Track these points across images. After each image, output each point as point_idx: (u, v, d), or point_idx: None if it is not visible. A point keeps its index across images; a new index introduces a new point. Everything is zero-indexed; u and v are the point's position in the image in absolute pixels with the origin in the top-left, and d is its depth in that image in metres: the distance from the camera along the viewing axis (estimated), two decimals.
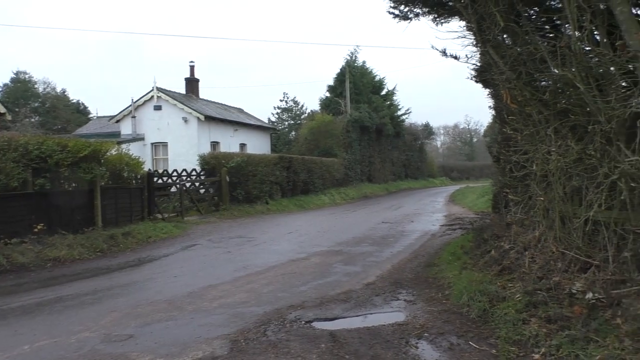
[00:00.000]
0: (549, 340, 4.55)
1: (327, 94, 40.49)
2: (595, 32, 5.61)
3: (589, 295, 4.77)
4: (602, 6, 5.40)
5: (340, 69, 39.49)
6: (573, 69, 5.21)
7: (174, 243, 13.18)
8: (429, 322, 5.84)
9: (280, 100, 50.68)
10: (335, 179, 31.13)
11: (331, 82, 40.43)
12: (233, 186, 21.12)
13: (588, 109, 5.21)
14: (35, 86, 57.83)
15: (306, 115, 45.52)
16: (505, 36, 7.18)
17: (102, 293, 7.82)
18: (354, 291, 7.51)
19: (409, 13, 10.42)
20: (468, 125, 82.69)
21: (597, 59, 5.32)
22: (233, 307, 6.77)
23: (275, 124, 47.14)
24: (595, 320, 4.50)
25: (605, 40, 5.52)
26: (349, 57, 40.57)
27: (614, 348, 4.05)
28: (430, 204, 25.23)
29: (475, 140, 79.70)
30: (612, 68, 5.20)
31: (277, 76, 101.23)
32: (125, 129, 27.28)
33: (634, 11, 5.97)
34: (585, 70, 5.16)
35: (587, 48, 5.57)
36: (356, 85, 38.78)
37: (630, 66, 4.99)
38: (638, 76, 4.64)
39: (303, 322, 6.01)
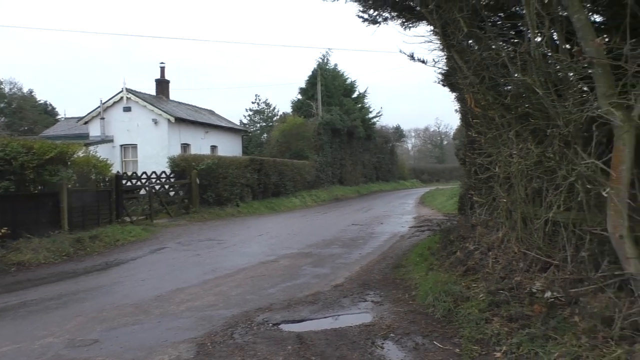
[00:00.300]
0: (510, 339, 4.66)
1: (299, 97, 40.57)
2: (555, 38, 5.78)
3: (548, 294, 4.91)
4: (560, 13, 5.57)
5: (312, 72, 39.69)
6: (533, 75, 5.36)
7: (142, 246, 13.03)
8: (395, 323, 5.91)
9: (252, 102, 50.61)
10: (307, 181, 31.18)
11: (303, 85, 40.62)
12: (203, 188, 20.97)
13: (547, 113, 5.36)
14: (1, 86, 56.37)
15: (278, 117, 45.48)
16: (469, 41, 7.34)
17: (68, 297, 7.69)
18: (322, 293, 7.55)
19: (377, 17, 10.54)
20: (438, 128, 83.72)
21: (556, 65, 5.48)
22: (201, 310, 6.74)
23: (247, 126, 46.96)
24: (554, 319, 4.63)
25: (564, 46, 5.69)
26: (320, 60, 40.78)
27: (571, 345, 4.18)
28: (400, 206, 25.47)
29: (445, 143, 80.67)
30: (570, 73, 5.37)
31: (249, 78, 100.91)
32: (94, 130, 26.85)
33: (591, 18, 6.20)
34: (544, 76, 5.32)
35: (549, 53, 5.74)
36: (328, 88, 38.92)
37: (587, 71, 5.16)
38: (594, 82, 4.79)
39: (270, 324, 6.03)
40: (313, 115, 36.73)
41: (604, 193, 4.49)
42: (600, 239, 4.74)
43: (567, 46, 5.76)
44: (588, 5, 5.56)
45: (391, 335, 5.49)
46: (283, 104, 79.16)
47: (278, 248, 12.14)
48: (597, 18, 6.67)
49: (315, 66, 39.73)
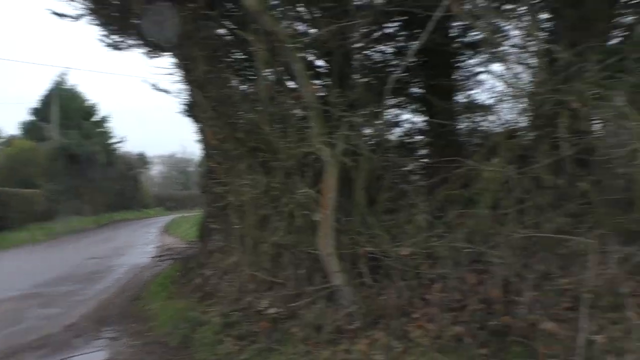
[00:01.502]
0: (240, 355, 5.05)
1: (31, 118, 36.73)
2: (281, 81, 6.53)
3: (272, 310, 5.45)
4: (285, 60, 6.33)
5: (48, 91, 36.34)
6: (261, 113, 6.00)
7: None
8: (132, 357, 5.84)
9: None
10: (38, 213, 28.16)
11: (35, 105, 36.85)
12: None
13: (273, 148, 6.01)
14: None
15: (3, 140, 40.28)
16: (209, 77, 7.76)
17: None
18: (52, 335, 6.98)
19: (121, 44, 10.32)
20: (183, 155, 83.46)
21: (280, 105, 6.21)
22: None
23: None
24: (277, 332, 5.18)
25: (288, 87, 6.47)
26: (58, 79, 37.63)
27: (291, 354, 4.75)
28: (143, 236, 24.71)
29: (190, 169, 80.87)
30: (293, 111, 6.13)
31: None
32: None
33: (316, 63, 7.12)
34: (270, 114, 5.98)
35: (279, 91, 6.44)
36: (65, 110, 36.02)
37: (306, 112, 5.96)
38: (309, 122, 5.58)
39: None
40: (47, 139, 33.54)
41: (316, 218, 5.24)
42: (315, 257, 5.48)
43: (290, 86, 6.57)
44: (306, 50, 6.40)
45: None
46: (9, 126, 69.54)
47: None
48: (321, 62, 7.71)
49: (52, 85, 36.54)
